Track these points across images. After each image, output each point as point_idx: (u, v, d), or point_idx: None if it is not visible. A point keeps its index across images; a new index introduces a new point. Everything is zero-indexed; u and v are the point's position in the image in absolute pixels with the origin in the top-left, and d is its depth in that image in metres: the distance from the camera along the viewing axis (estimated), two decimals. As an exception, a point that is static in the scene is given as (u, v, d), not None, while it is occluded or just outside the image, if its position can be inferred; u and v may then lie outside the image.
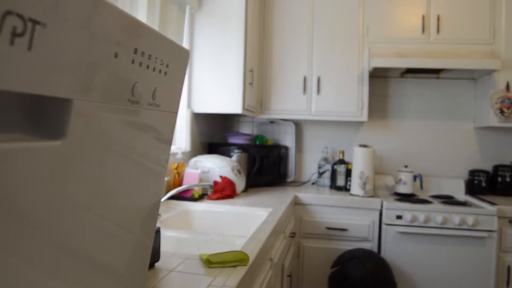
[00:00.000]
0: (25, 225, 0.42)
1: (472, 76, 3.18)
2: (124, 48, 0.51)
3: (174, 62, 0.66)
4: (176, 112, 0.73)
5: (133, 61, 0.54)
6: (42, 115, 0.43)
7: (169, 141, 0.74)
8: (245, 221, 2.09)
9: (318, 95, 3.05)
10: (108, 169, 0.56)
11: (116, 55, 0.49)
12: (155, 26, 2.18)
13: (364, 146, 2.97)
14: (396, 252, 2.59)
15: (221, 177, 2.41)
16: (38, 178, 0.42)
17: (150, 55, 0.58)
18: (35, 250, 0.44)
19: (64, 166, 0.46)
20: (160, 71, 0.62)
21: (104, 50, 0.47)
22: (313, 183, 3.36)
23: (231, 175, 2.44)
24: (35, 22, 0.35)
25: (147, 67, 0.58)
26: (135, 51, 0.54)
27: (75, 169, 0.48)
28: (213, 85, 2.71)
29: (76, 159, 0.48)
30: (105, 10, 0.45)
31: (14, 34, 0.33)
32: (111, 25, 0.47)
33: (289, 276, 2.23)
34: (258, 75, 3.06)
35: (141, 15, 2.03)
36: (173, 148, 2.47)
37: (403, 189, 2.95)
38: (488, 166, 3.16)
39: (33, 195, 0.42)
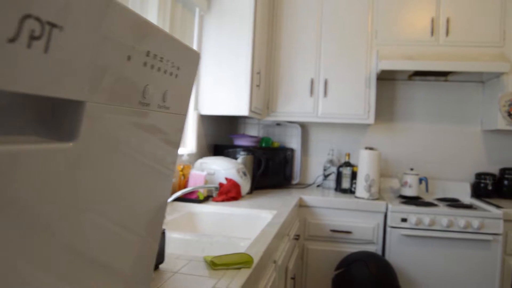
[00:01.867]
0: (35, 226, 0.42)
1: (481, 79, 3.17)
2: (137, 50, 0.51)
3: (185, 64, 0.66)
4: (185, 115, 0.73)
5: (145, 64, 0.54)
6: (55, 117, 0.44)
7: (177, 144, 0.75)
8: (250, 223, 2.09)
9: (325, 97, 3.05)
10: (117, 170, 0.57)
11: (129, 58, 0.50)
12: (165, 28, 2.19)
13: (370, 148, 2.96)
14: (401, 255, 2.58)
15: (226, 179, 2.41)
16: (49, 179, 0.42)
17: (161, 58, 0.58)
18: (43, 251, 0.44)
19: (75, 168, 0.46)
20: (171, 74, 0.62)
21: (117, 53, 0.47)
22: (318, 186, 3.35)
23: (236, 177, 2.45)
24: (52, 25, 0.35)
25: (159, 69, 0.58)
26: (148, 53, 0.54)
27: (85, 171, 0.49)
28: (220, 86, 2.71)
29: (87, 161, 0.48)
30: (119, 13, 0.46)
31: (32, 37, 0.33)
32: (125, 28, 0.48)
33: (293, 278, 2.23)
34: (265, 77, 3.06)
35: (152, 17, 2.04)
36: (179, 150, 2.47)
37: (408, 191, 2.94)
38: (494, 169, 3.14)
39: (43, 195, 0.42)
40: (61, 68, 0.38)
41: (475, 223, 2.47)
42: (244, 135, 3.09)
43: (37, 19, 0.33)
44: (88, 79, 0.43)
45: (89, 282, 0.55)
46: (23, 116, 0.40)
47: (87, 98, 0.44)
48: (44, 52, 0.36)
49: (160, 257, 1.14)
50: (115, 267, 0.62)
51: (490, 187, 3.03)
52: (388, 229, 2.62)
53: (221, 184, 2.38)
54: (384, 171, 3.27)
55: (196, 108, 2.74)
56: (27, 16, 0.32)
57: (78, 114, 0.44)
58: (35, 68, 0.35)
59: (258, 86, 2.83)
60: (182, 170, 2.34)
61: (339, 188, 3.08)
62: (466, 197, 3.06)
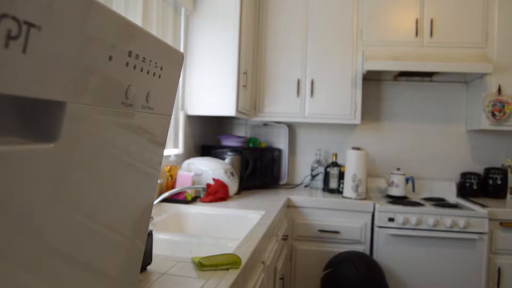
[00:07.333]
0: (17, 228, 0.41)
1: (465, 80, 3.21)
2: (119, 51, 0.51)
3: (168, 65, 0.66)
4: (169, 115, 0.73)
5: (127, 64, 0.54)
6: (35, 118, 0.43)
7: (162, 144, 0.74)
8: (238, 223, 2.08)
9: (312, 97, 3.06)
10: (101, 171, 0.56)
11: (110, 58, 0.49)
12: (150, 28, 2.17)
13: (357, 148, 2.98)
14: (388, 255, 2.60)
15: (214, 179, 2.41)
16: (31, 181, 0.42)
17: (144, 58, 0.57)
18: (26, 252, 0.44)
19: (57, 169, 0.46)
20: (154, 74, 0.62)
21: (98, 53, 0.47)
22: (306, 186, 3.36)
23: (224, 178, 2.44)
24: (30, 25, 0.35)
25: (141, 70, 0.58)
26: (130, 53, 0.53)
27: (68, 172, 0.48)
28: (207, 87, 2.70)
29: (69, 162, 0.48)
30: (100, 13, 0.45)
31: (9, 37, 0.33)
32: (106, 28, 0.47)
33: (282, 279, 2.23)
34: (252, 78, 3.06)
35: (136, 18, 2.03)
36: (166, 151, 2.46)
37: (395, 191, 2.96)
38: (479, 169, 3.18)
39: (25, 198, 0.41)
40: (40, 68, 0.38)
41: (461, 222, 2.50)
42: (232, 136, 3.09)
43: (14, 18, 0.33)
44: (68, 80, 0.43)
45: (73, 284, 0.55)
46: (2, 117, 0.40)
47: (67, 99, 0.44)
48: (22, 52, 0.35)
49: (148, 258, 1.13)
50: (101, 269, 0.62)
51: (475, 187, 3.07)
52: (375, 228, 2.63)
53: (208, 185, 2.37)
54: (371, 171, 3.29)
55: (183, 108, 2.73)
56: (4, 16, 0.32)
57: (59, 115, 0.43)
58: (13, 68, 0.35)
59: (244, 86, 2.83)
60: (169, 171, 2.33)
61: (326, 188, 3.09)
62: (452, 196, 3.10)
